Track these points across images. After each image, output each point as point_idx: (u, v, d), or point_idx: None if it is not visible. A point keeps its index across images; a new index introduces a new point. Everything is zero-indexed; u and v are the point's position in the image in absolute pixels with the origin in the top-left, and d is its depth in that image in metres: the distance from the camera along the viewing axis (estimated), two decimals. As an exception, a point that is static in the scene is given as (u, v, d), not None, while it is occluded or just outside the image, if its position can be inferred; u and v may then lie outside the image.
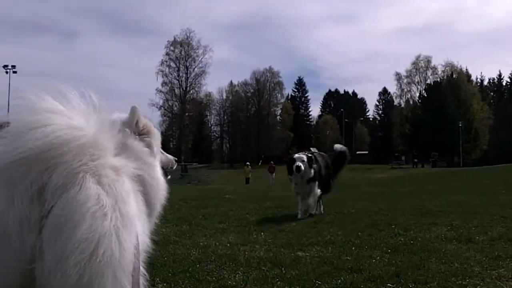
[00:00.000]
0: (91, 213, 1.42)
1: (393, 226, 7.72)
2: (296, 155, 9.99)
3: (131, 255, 1.54)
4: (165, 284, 4.34)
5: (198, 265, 5.03)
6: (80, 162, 1.50)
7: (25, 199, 1.42)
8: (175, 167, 3.03)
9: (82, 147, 1.52)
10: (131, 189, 1.67)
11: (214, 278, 4.50)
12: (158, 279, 4.43)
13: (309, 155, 10.09)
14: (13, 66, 61.54)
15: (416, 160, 67.84)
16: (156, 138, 2.58)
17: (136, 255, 1.60)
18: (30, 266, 1.41)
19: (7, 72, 61.14)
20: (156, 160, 2.56)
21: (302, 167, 9.51)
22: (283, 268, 4.81)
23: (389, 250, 5.68)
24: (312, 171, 9.71)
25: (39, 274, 1.41)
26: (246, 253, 5.73)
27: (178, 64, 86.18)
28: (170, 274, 4.63)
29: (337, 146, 11.71)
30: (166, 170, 2.80)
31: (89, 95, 1.73)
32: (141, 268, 1.73)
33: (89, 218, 1.42)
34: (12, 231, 1.40)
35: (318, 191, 9.98)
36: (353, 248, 5.90)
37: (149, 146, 2.52)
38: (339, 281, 4.33)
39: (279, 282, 4.33)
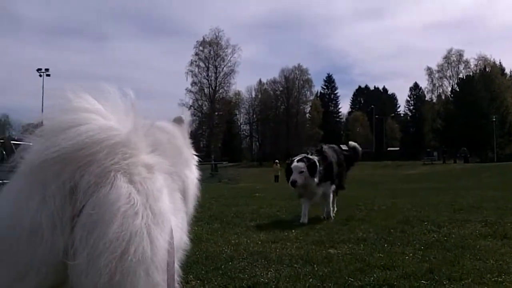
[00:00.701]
0: (122, 211, 1.43)
1: (425, 223, 7.65)
2: (294, 164, 8.41)
3: (164, 252, 1.55)
4: (198, 282, 4.37)
5: (230, 263, 5.06)
6: (112, 161, 1.51)
7: (57, 198, 1.44)
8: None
9: (114, 146, 1.53)
10: (164, 186, 1.67)
11: (246, 276, 4.52)
12: (191, 276, 4.48)
13: (312, 158, 8.50)
14: (47, 69, 62.83)
15: (445, 155, 66.65)
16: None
17: (170, 252, 1.61)
18: (63, 265, 1.42)
19: (40, 75, 62.49)
20: (193, 160, 2.62)
21: (299, 182, 8.23)
22: (315, 266, 4.81)
23: (422, 247, 5.62)
24: (316, 179, 8.30)
25: (71, 272, 1.42)
26: (278, 250, 5.74)
27: (207, 64, 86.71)
28: (203, 272, 4.68)
29: (351, 143, 10.66)
30: None
31: (127, 94, 1.76)
32: (176, 265, 1.74)
33: (120, 217, 1.42)
34: (45, 229, 1.41)
35: (333, 188, 8.95)
36: (386, 245, 5.86)
37: (189, 145, 2.60)
38: (372, 278, 4.30)
39: (311, 280, 4.33)
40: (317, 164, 8.38)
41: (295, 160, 8.52)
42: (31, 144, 1.61)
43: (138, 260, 1.43)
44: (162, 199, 1.60)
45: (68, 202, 1.45)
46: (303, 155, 8.73)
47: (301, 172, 8.26)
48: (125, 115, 1.67)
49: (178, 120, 2.62)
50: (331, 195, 8.97)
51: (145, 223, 1.47)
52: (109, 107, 1.65)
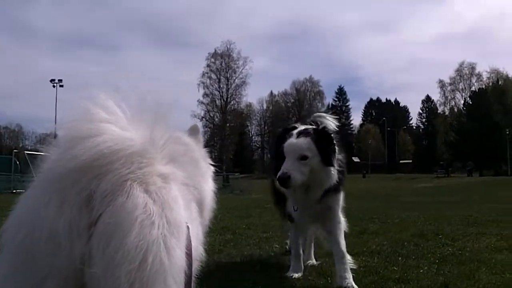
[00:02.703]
0: (139, 221, 1.43)
1: (440, 236, 7.57)
2: (292, 141, 4.32)
3: (181, 262, 1.55)
4: (211, 293, 4.36)
5: (243, 274, 5.04)
6: (128, 170, 1.52)
7: (75, 206, 1.44)
8: None
9: (130, 156, 1.54)
10: (179, 196, 1.68)
11: (260, 287, 4.50)
12: (204, 287, 4.46)
13: (327, 129, 4.58)
14: (60, 80, 63.38)
15: (450, 169, 66.33)
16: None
17: (187, 262, 1.61)
18: (81, 272, 1.43)
19: (54, 86, 63.09)
20: (210, 172, 2.63)
21: (297, 178, 4.18)
22: (329, 278, 4.76)
23: (437, 260, 5.55)
24: (333, 172, 4.35)
25: (89, 281, 1.42)
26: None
27: (218, 76, 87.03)
28: (215, 283, 4.66)
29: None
30: None
31: (145, 105, 1.77)
32: (192, 276, 1.74)
33: (138, 226, 1.42)
34: (62, 237, 1.41)
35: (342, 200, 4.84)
36: (400, 258, 5.79)
37: (205, 158, 2.62)
38: (386, 291, 4.25)
39: (325, 292, 4.28)
40: (335, 140, 4.45)
41: (293, 133, 4.41)
42: (48, 154, 1.62)
43: (157, 270, 1.43)
44: (177, 208, 1.60)
45: (85, 211, 1.46)
46: (303, 127, 4.60)
47: (304, 157, 4.23)
48: (143, 126, 1.67)
49: (194, 129, 2.64)
50: (341, 213, 4.79)
51: (161, 232, 1.47)
52: (127, 117, 1.66)
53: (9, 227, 1.51)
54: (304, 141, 4.25)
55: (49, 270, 1.43)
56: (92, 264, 1.41)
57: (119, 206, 1.45)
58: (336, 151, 4.36)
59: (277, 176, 4.15)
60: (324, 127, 4.53)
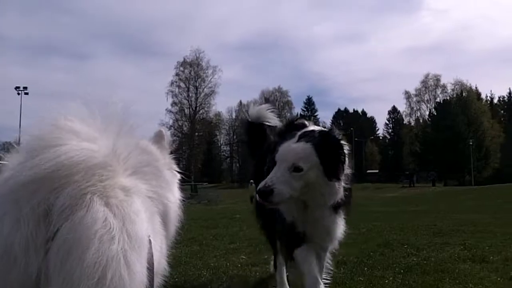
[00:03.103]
0: (99, 236, 1.40)
1: (405, 246, 7.66)
2: (288, 146, 3.50)
3: (142, 277, 1.52)
4: (176, 306, 4.30)
5: (209, 286, 5.00)
6: (89, 183, 1.48)
7: (31, 221, 1.41)
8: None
9: (92, 168, 1.51)
10: (142, 209, 1.65)
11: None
12: (169, 300, 4.40)
13: (331, 131, 3.64)
14: (25, 88, 62.16)
15: (412, 179, 67.57)
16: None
17: (149, 277, 1.58)
18: None
19: (18, 94, 61.81)
20: (175, 181, 2.59)
21: (285, 193, 3.39)
22: (295, 289, 4.75)
23: (402, 271, 5.62)
24: (339, 187, 3.54)
25: None
26: (258, 274, 5.69)
27: (187, 85, 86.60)
28: (181, 296, 4.61)
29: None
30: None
31: (112, 115, 1.74)
32: None
33: (97, 241, 1.39)
34: (18, 253, 1.38)
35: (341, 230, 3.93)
36: (366, 268, 5.84)
37: (170, 167, 2.59)
38: (352, 302, 4.27)
39: (291, 304, 4.27)
40: (345, 149, 3.58)
41: (296, 134, 3.59)
42: (6, 163, 1.57)
43: (116, 286, 1.39)
44: (139, 222, 1.57)
45: (42, 225, 1.42)
46: (312, 127, 3.78)
47: (298, 169, 3.43)
48: (108, 136, 1.64)
49: (159, 135, 2.61)
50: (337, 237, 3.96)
51: (121, 247, 1.44)
52: (92, 127, 1.63)
53: None
54: (303, 147, 3.39)
55: (4, 286, 1.39)
56: (50, 280, 1.38)
57: (78, 221, 1.41)
58: (346, 162, 3.49)
59: (258, 188, 3.33)
60: (332, 131, 3.58)
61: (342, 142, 3.51)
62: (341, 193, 3.48)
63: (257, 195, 3.38)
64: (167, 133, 2.69)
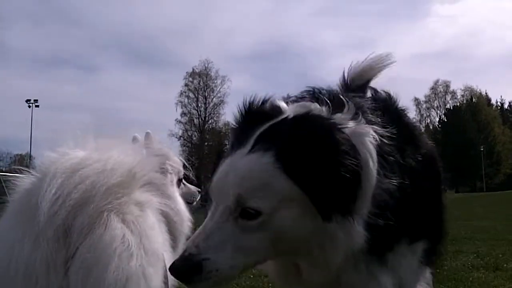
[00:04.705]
0: (118, 254, 1.43)
1: (418, 254, 7.59)
2: (232, 164, 1.90)
3: None
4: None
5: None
6: (105, 201, 1.51)
7: (51, 240, 1.43)
8: (198, 198, 3.06)
9: (110, 187, 1.53)
10: (156, 223, 1.67)
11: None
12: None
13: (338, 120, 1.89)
14: (35, 101, 62.64)
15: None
16: (175, 168, 2.66)
17: None
18: None
19: (29, 107, 62.29)
20: (175, 191, 2.60)
21: (222, 271, 1.69)
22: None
23: (415, 280, 5.56)
24: (361, 234, 1.82)
25: None
26: (270, 284, 5.67)
27: (196, 95, 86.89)
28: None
29: None
30: (189, 202, 2.84)
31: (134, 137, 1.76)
32: None
33: (116, 259, 1.42)
34: (39, 272, 1.40)
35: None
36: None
37: (166, 177, 2.59)
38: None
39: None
40: (372, 150, 1.88)
41: (250, 139, 1.88)
42: (20, 182, 1.59)
43: None
44: (155, 237, 1.60)
45: (62, 245, 1.44)
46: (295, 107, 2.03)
47: (251, 214, 1.75)
48: (125, 154, 1.66)
49: (147, 137, 2.62)
50: None
51: (140, 264, 1.46)
52: (106, 146, 1.65)
53: None
54: (253, 166, 1.81)
55: None
56: None
57: (97, 239, 1.43)
58: (372, 176, 1.85)
59: (170, 265, 1.65)
60: (321, 109, 1.96)
61: (361, 129, 1.88)
62: (361, 238, 1.83)
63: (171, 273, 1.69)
64: (154, 136, 2.72)
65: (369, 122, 1.97)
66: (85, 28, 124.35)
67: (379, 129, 1.96)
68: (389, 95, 2.50)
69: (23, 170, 1.63)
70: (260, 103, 2.07)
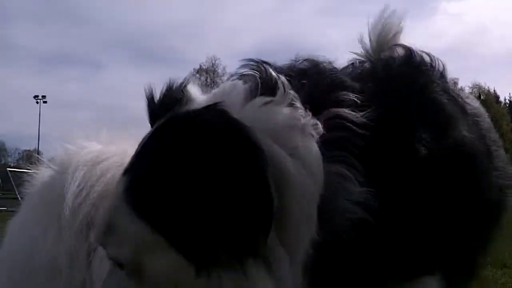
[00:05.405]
0: None
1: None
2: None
3: None
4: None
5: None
6: None
7: (74, 233, 1.43)
8: None
9: None
10: None
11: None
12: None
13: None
14: (43, 97, 62.80)
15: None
16: None
17: None
18: None
19: (37, 103, 62.49)
20: None
21: None
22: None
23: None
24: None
25: None
26: None
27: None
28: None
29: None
30: None
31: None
32: None
33: None
34: (63, 265, 1.41)
35: None
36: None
37: None
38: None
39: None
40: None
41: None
42: (37, 175, 1.60)
43: None
44: None
45: (85, 237, 1.44)
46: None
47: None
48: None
49: None
50: None
51: None
52: (123, 142, 1.66)
53: (6, 256, 1.48)
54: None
55: None
56: None
57: None
58: (302, 188, 1.23)
59: None
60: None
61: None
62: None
63: None
64: None
65: (326, 103, 1.35)
66: (91, 26, 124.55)
67: (350, 113, 1.33)
68: (408, 57, 1.71)
69: (34, 164, 1.64)
70: (166, 91, 1.46)
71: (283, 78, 1.34)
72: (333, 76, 1.47)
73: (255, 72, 1.38)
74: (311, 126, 1.27)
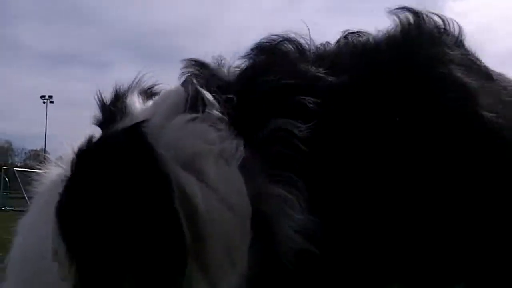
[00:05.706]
0: None
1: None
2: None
3: None
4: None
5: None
6: None
7: None
8: None
9: None
10: None
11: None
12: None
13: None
14: (50, 97, 62.83)
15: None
16: None
17: None
18: None
19: (44, 102, 62.52)
20: None
21: None
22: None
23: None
24: None
25: None
26: None
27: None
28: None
29: None
30: None
31: None
32: None
33: None
34: None
35: None
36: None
37: None
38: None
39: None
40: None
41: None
42: (47, 173, 1.59)
43: None
44: None
45: None
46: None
47: None
48: None
49: None
50: None
51: None
52: None
53: (17, 256, 1.48)
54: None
55: None
56: None
57: None
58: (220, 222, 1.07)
59: None
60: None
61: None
62: None
63: None
64: None
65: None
66: (97, 26, 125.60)
67: (295, 124, 1.08)
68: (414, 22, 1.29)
69: (42, 163, 1.62)
70: (112, 101, 1.34)
71: (207, 92, 1.16)
72: (285, 74, 1.18)
73: (189, 79, 1.28)
74: (231, 150, 1.08)
